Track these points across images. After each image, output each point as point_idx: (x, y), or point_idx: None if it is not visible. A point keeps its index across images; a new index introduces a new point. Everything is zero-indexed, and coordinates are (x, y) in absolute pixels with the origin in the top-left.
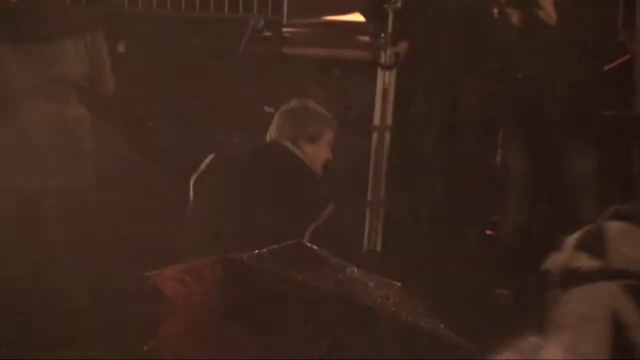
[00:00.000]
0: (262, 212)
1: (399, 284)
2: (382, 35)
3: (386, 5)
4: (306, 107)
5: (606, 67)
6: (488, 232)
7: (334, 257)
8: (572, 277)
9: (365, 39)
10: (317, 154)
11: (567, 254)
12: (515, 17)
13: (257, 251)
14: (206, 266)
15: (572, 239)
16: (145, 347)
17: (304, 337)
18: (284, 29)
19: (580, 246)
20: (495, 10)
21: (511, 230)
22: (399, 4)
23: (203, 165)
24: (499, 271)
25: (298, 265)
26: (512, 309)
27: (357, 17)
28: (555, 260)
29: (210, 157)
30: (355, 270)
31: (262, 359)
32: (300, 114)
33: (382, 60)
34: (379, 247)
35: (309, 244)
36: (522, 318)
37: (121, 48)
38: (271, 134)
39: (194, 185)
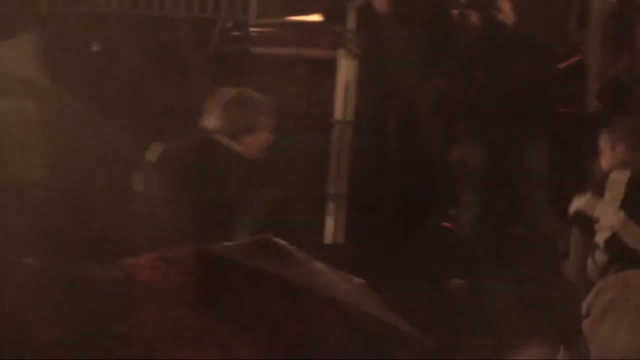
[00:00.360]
0: (199, 205)
1: (362, 280)
2: (345, 31)
3: (348, 4)
4: (242, 97)
5: (560, 66)
6: (445, 224)
7: (300, 251)
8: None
9: (329, 38)
10: (255, 141)
11: (587, 200)
12: (474, 18)
13: (228, 243)
14: (180, 255)
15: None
16: (118, 332)
17: (273, 323)
18: (252, 29)
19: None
20: (455, 12)
21: (467, 223)
22: (360, 2)
23: (148, 157)
24: (455, 262)
25: (266, 257)
26: (468, 298)
27: (321, 17)
28: (578, 204)
29: (154, 148)
30: (320, 264)
31: (232, 344)
32: (237, 103)
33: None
34: (341, 240)
35: (276, 239)
36: (478, 307)
37: (96, 47)
38: (210, 123)
39: (142, 176)
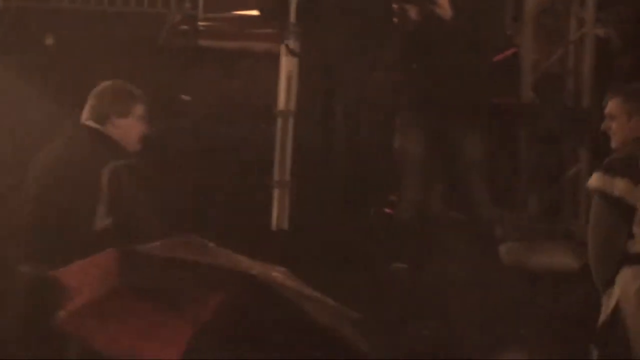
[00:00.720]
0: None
1: (283, 268)
2: (286, 26)
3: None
4: (115, 86)
5: (495, 59)
6: (387, 210)
7: (221, 248)
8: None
9: (272, 31)
10: (129, 127)
11: (603, 177)
12: (413, 12)
13: (152, 244)
14: (105, 257)
15: (606, 163)
16: (58, 316)
17: (198, 299)
18: (200, 23)
19: (614, 171)
20: (395, 6)
21: (408, 209)
22: None
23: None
24: (396, 246)
25: (190, 251)
26: (409, 280)
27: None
28: (594, 180)
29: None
30: (241, 257)
31: (159, 321)
32: (109, 92)
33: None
34: (286, 226)
35: (199, 238)
36: (418, 288)
37: (49, 40)
38: (84, 116)
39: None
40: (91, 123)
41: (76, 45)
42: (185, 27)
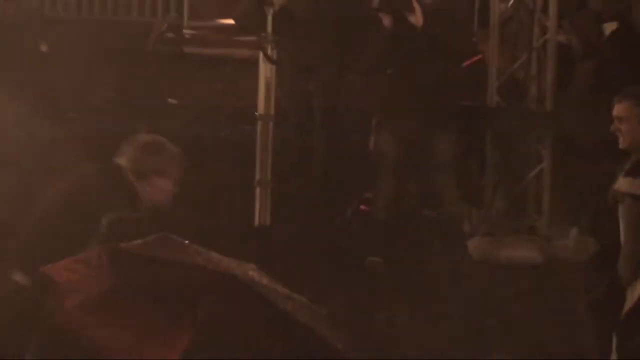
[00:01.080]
0: None
1: (254, 265)
2: (263, 34)
3: (265, 7)
4: (157, 144)
5: (463, 65)
6: (362, 207)
7: (195, 245)
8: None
9: (252, 39)
10: (164, 186)
11: (632, 180)
12: (386, 21)
13: (133, 242)
14: (93, 255)
15: (629, 167)
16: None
17: (184, 299)
18: (185, 31)
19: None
20: (370, 14)
21: (383, 206)
22: (276, 7)
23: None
24: (372, 241)
25: (168, 249)
26: (384, 273)
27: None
28: (623, 184)
29: None
30: (216, 254)
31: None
32: (152, 150)
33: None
34: (268, 222)
35: (173, 236)
36: (393, 281)
37: (43, 47)
38: (121, 161)
39: None
40: (130, 175)
41: (69, 52)
42: (171, 34)
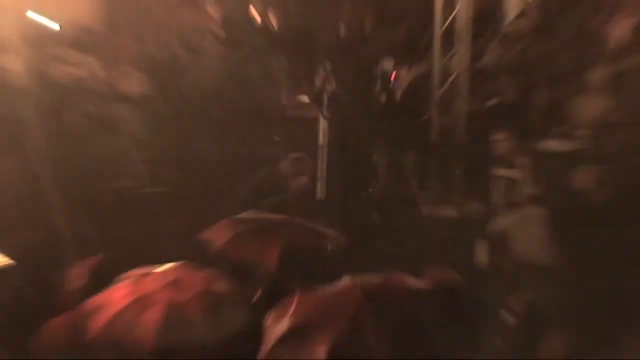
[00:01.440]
0: None
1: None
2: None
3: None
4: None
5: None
6: (370, 190)
7: None
8: None
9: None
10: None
11: None
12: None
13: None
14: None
15: None
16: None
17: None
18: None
19: None
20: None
21: (381, 192)
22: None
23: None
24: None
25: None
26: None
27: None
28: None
29: None
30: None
31: None
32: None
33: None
34: (324, 196)
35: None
36: (352, 254)
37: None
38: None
39: None
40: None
41: None
42: None
